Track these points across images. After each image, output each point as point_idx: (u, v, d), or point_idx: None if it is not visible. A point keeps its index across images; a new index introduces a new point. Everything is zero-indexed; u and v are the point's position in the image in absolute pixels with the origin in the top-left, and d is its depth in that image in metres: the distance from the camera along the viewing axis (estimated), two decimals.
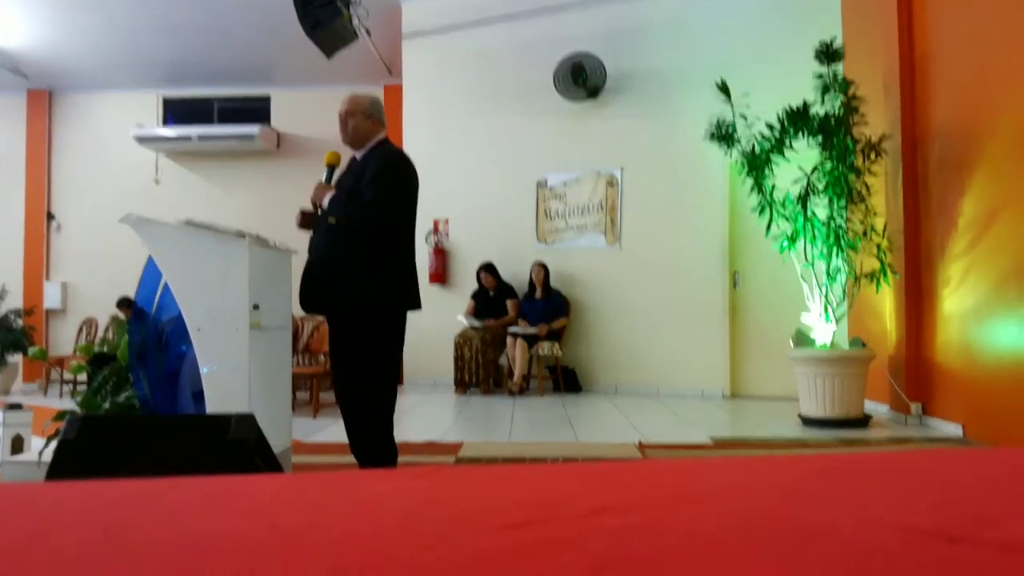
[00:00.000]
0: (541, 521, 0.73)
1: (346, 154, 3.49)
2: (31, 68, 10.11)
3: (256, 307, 3.39)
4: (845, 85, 5.60)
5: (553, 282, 7.90)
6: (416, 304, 3.49)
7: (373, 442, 3.40)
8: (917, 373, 5.63)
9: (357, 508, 0.78)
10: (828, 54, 5.61)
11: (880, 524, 0.74)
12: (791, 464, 1.05)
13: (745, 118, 5.82)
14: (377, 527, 0.73)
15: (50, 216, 10.79)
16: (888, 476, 0.99)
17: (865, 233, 5.58)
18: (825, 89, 5.63)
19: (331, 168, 3.40)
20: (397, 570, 0.65)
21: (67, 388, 8.95)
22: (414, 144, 8.25)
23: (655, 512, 0.77)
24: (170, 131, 10.30)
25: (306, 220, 3.47)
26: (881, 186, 5.88)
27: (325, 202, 3.31)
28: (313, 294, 3.41)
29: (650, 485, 0.93)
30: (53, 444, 3.36)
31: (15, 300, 10.26)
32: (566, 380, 7.76)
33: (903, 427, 5.55)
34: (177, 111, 10.75)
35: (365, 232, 3.32)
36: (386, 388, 3.43)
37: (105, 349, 5.28)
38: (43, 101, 10.78)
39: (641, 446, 4.81)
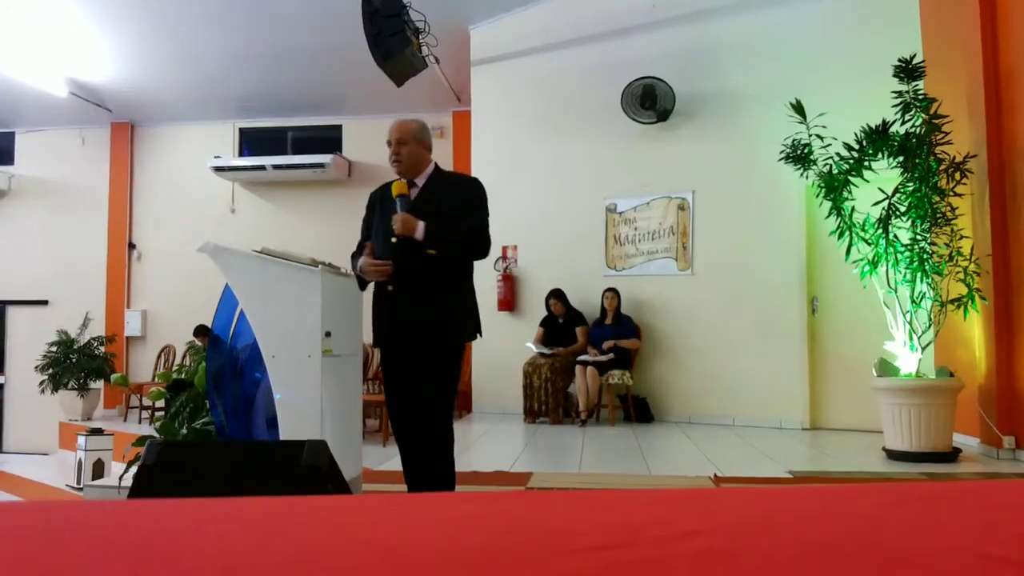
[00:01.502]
0: (625, 544, 0.72)
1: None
2: (115, 102, 10.57)
3: (328, 334, 3.41)
4: (927, 103, 5.40)
5: (624, 309, 7.79)
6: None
7: (449, 464, 3.43)
8: (1010, 404, 5.34)
9: (445, 528, 0.80)
10: (908, 71, 5.41)
11: (960, 552, 0.73)
12: (872, 492, 1.02)
13: (821, 138, 5.67)
14: (467, 545, 0.74)
15: (131, 246, 11.19)
16: (970, 505, 0.98)
17: (951, 257, 5.34)
18: (905, 107, 5.43)
19: (404, 198, 3.35)
20: None
21: (146, 414, 9.20)
22: (483, 170, 8.30)
23: (736, 537, 0.77)
24: (245, 161, 10.62)
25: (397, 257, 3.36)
26: (967, 207, 5.63)
27: (420, 233, 3.24)
28: (413, 327, 3.33)
29: (730, 511, 0.93)
30: (133, 469, 3.43)
31: (98, 328, 10.63)
32: (637, 410, 7.62)
33: (995, 461, 5.27)
34: (252, 142, 11.08)
35: (473, 259, 3.42)
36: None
37: (183, 376, 5.40)
38: (126, 133, 11.22)
39: (717, 479, 4.66)
